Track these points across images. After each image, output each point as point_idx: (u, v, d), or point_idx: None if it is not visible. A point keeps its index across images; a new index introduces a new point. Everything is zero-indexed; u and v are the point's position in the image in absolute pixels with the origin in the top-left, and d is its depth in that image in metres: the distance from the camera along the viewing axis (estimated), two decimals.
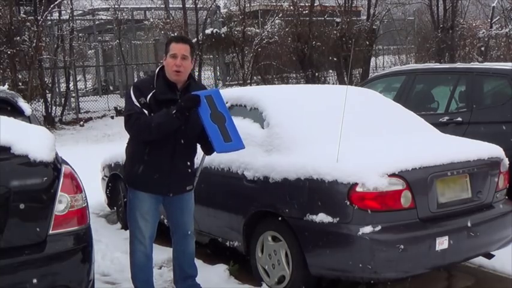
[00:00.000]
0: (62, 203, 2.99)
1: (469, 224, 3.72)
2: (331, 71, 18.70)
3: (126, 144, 3.82)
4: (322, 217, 3.58)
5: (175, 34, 15.62)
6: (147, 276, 3.85)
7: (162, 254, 4.62)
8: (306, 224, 3.67)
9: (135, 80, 19.74)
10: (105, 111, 16.36)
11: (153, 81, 3.61)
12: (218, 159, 4.36)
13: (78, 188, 3.10)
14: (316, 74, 17.54)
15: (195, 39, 16.05)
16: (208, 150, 3.63)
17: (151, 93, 3.54)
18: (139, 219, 3.72)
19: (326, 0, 19.38)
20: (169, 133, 3.52)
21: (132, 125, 3.50)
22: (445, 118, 5.93)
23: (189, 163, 3.71)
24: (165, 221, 4.36)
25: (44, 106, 14.82)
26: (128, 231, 5.51)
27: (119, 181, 5.88)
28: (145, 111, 3.49)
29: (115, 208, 6.16)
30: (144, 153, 3.58)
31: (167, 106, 3.49)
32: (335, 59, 17.36)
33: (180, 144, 3.60)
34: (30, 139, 2.95)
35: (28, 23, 14.45)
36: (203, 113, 3.42)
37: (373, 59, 20.19)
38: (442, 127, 5.25)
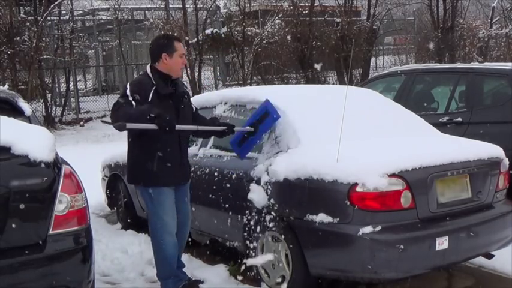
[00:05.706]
0: (62, 203, 2.99)
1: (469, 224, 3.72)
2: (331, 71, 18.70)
3: (127, 146, 3.93)
4: (322, 217, 3.58)
5: (176, 34, 15.64)
6: (175, 266, 3.99)
7: None
8: (306, 224, 3.67)
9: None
10: (105, 111, 16.33)
11: (151, 79, 3.80)
12: None
13: (78, 188, 3.10)
14: (316, 74, 17.52)
15: (195, 39, 16.05)
16: (221, 136, 4.13)
17: (153, 90, 3.74)
18: (165, 214, 3.86)
19: (326, 0, 19.37)
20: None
21: (113, 111, 3.66)
22: (445, 118, 5.92)
23: (187, 155, 4.10)
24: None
25: (44, 106, 14.82)
26: (128, 231, 5.56)
27: (119, 181, 5.88)
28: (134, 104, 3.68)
29: (115, 208, 6.16)
30: (156, 150, 3.78)
31: (168, 99, 3.79)
32: (335, 54, 17.32)
33: (183, 139, 3.97)
34: (30, 139, 2.95)
35: (28, 23, 14.46)
36: (252, 117, 4.12)
37: (373, 59, 20.18)
38: (442, 127, 5.25)
